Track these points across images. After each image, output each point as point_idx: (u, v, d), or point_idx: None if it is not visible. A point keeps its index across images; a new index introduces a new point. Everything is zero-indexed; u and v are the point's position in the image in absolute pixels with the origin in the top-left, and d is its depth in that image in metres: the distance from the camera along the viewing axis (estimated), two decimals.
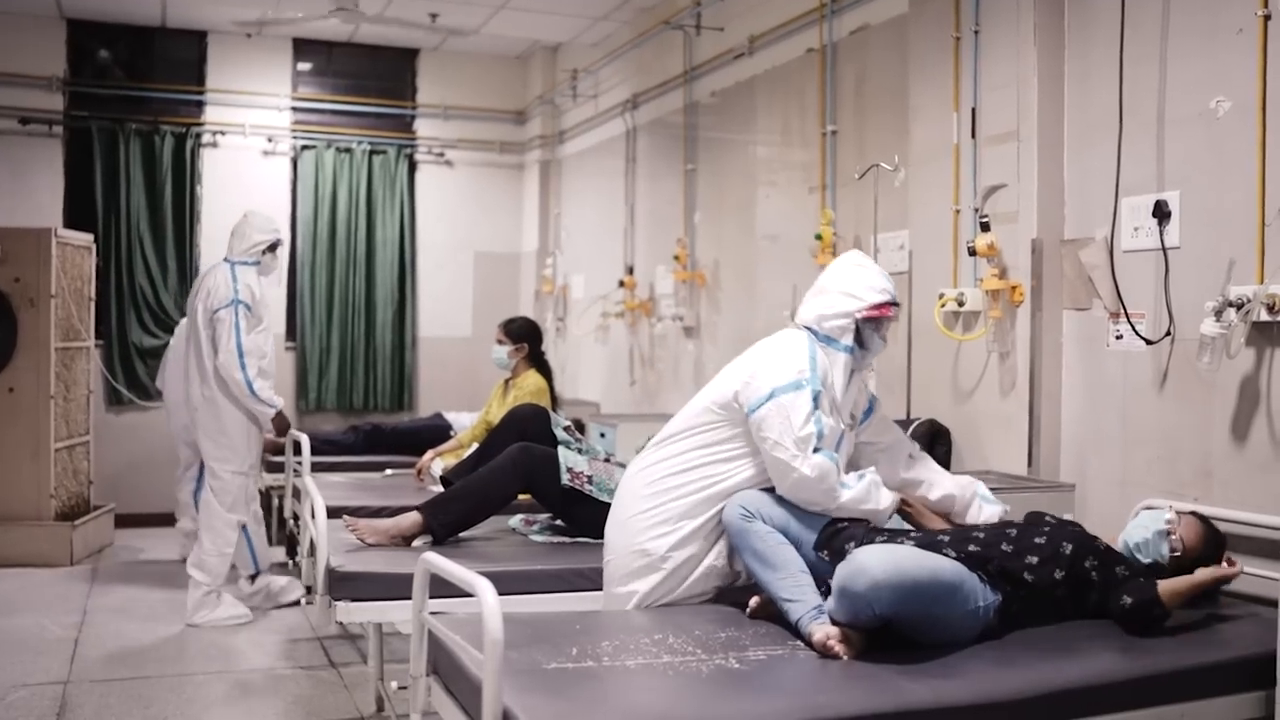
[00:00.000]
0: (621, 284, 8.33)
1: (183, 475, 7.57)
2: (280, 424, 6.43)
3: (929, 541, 3.35)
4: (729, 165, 7.26)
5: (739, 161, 7.17)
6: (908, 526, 3.74)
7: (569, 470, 4.65)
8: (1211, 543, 3.64)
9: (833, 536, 3.48)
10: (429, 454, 6.51)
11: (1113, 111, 4.33)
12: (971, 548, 3.35)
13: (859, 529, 3.51)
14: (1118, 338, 4.35)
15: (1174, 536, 3.58)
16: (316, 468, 6.58)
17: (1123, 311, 4.24)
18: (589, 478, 4.67)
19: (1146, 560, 3.58)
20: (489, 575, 4.14)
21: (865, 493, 3.61)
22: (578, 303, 9.34)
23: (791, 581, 3.36)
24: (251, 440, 6.37)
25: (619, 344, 8.61)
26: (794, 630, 3.26)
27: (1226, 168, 3.94)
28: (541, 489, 4.70)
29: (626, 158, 8.59)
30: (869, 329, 3.76)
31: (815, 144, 6.20)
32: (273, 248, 6.56)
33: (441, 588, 3.14)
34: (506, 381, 6.56)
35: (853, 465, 3.84)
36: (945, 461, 4.97)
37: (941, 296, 4.89)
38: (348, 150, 9.81)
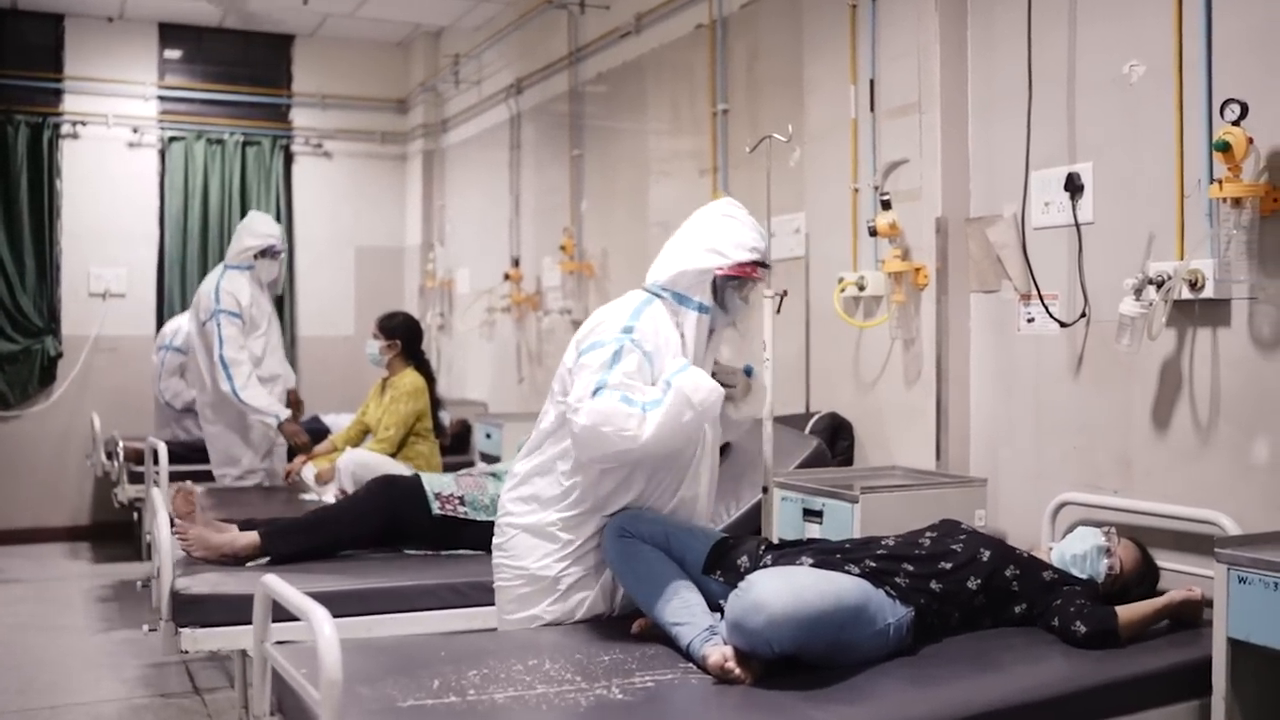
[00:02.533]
0: (507, 277, 7.93)
1: None
2: (290, 432, 6.17)
3: (828, 559, 3.01)
4: (617, 150, 6.91)
5: (628, 146, 6.82)
6: (803, 538, 3.41)
7: (437, 497, 4.28)
8: (1146, 570, 3.44)
9: (722, 556, 3.14)
10: (300, 458, 6.08)
11: (1020, 80, 4.06)
12: (873, 563, 3.03)
13: (751, 543, 3.18)
14: (1029, 321, 4.08)
15: (1114, 556, 3.35)
16: (180, 476, 6.10)
17: (1034, 293, 3.96)
18: (460, 499, 4.32)
19: (1082, 575, 3.32)
20: (352, 593, 3.83)
21: (675, 407, 3.02)
22: (463, 298, 8.92)
23: (678, 603, 3.00)
24: (252, 448, 6.25)
25: (506, 340, 8.22)
26: (684, 654, 2.91)
27: (1142, 137, 3.68)
28: (411, 524, 4.33)
29: (511, 145, 8.20)
30: (730, 289, 3.29)
31: (706, 124, 5.87)
32: (266, 253, 6.29)
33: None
34: (384, 380, 6.14)
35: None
36: (848, 456, 4.68)
37: (841, 281, 4.59)
38: (219, 141, 9.27)
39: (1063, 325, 3.88)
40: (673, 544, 3.15)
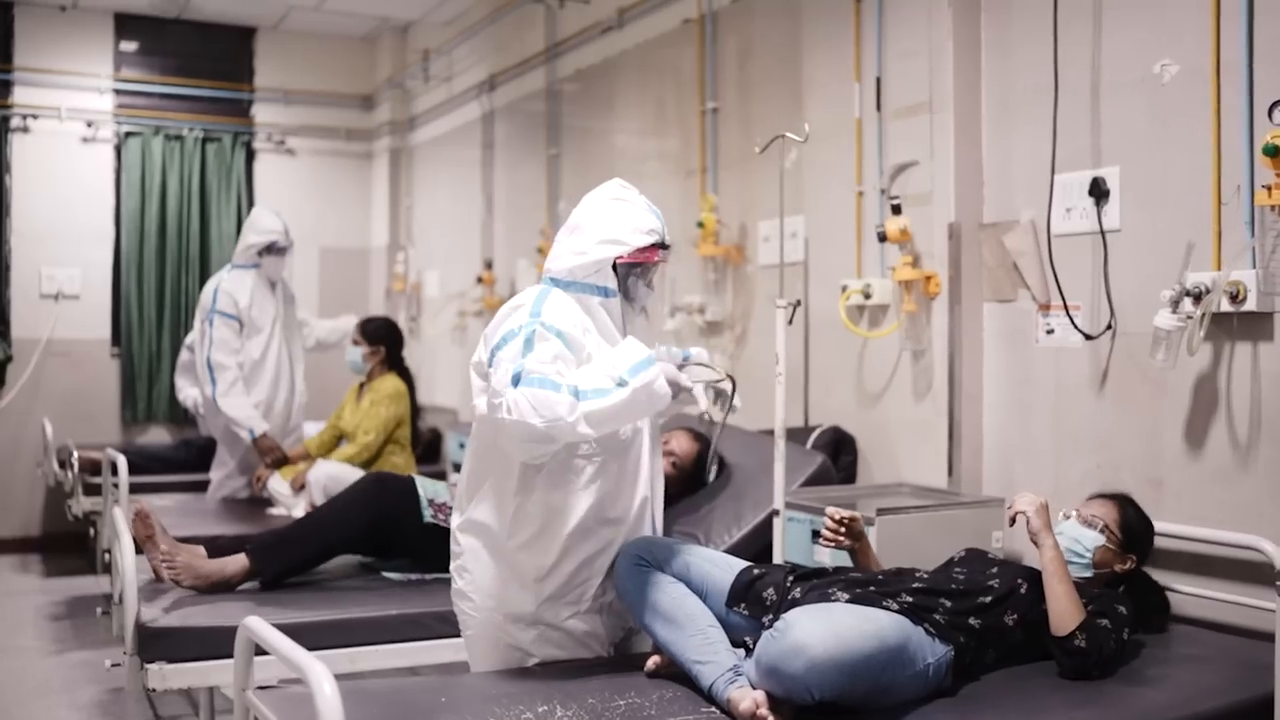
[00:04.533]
0: (480, 280, 7.66)
1: None
2: (265, 449, 5.83)
3: (865, 593, 2.78)
4: (597, 150, 6.67)
5: (608, 145, 6.58)
6: (833, 564, 3.18)
7: (431, 503, 4.01)
8: (1136, 524, 3.24)
9: (747, 587, 2.91)
10: (264, 467, 5.80)
11: (1039, 79, 3.87)
12: (910, 598, 2.80)
13: (777, 573, 2.94)
14: (1049, 332, 3.88)
15: (1093, 518, 3.21)
16: (141, 489, 5.82)
17: (1061, 303, 3.76)
18: (451, 509, 4.01)
19: (1085, 558, 3.17)
20: (334, 624, 3.56)
21: (629, 399, 2.80)
22: (432, 301, 8.63)
23: (700, 640, 2.77)
24: (240, 454, 6.06)
25: (477, 344, 7.93)
26: (706, 696, 2.68)
27: (1174, 140, 3.49)
28: (397, 528, 4.04)
29: (483, 144, 7.93)
30: (633, 275, 3.06)
31: (694, 123, 5.64)
32: (271, 249, 6.04)
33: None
34: (361, 386, 5.88)
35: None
36: (850, 473, 4.47)
37: (845, 289, 4.38)
38: (178, 137, 8.92)
39: (1088, 338, 3.68)
40: (693, 574, 2.91)
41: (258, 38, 9.24)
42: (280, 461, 5.85)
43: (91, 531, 6.77)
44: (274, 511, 5.65)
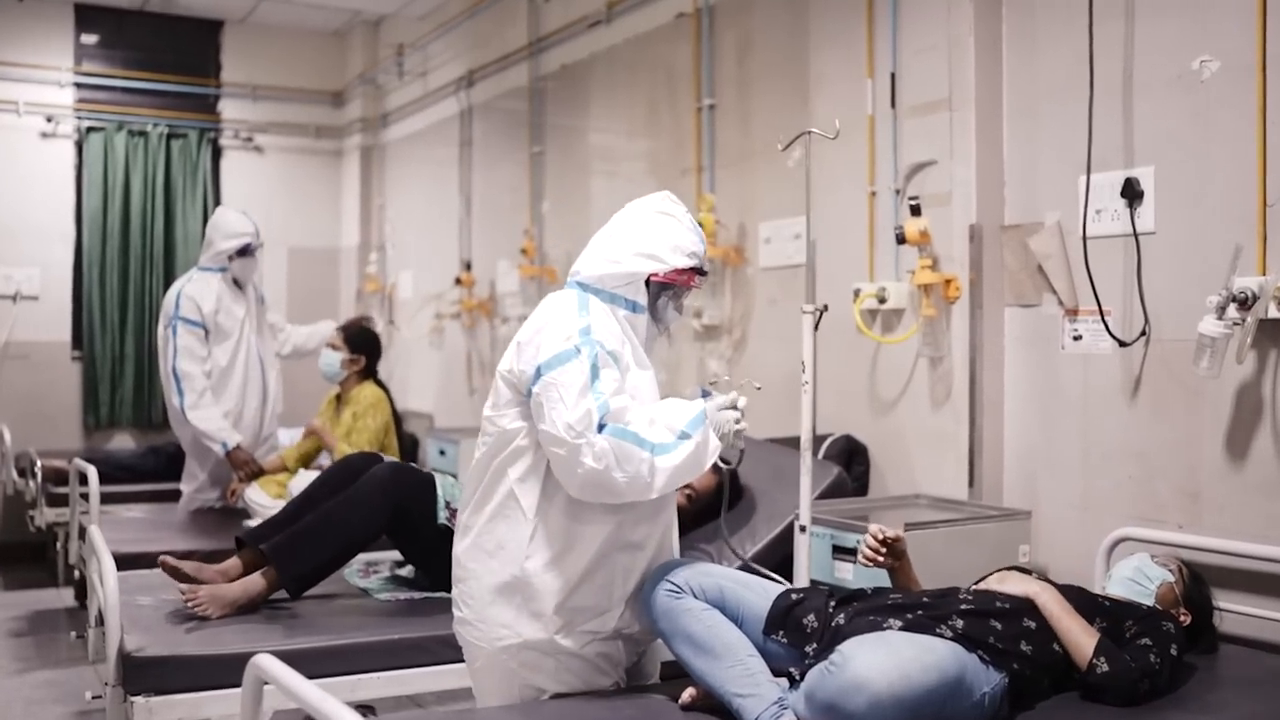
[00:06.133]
0: (459, 281, 7.44)
1: None
2: (239, 463, 5.56)
3: (918, 620, 2.61)
4: (583, 148, 6.48)
5: (595, 143, 6.39)
6: (874, 586, 3.01)
7: (448, 506, 3.79)
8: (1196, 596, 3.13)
9: (786, 613, 2.73)
10: (237, 480, 5.56)
11: (1066, 76, 3.74)
12: (961, 622, 2.63)
13: (817, 598, 2.77)
14: (1076, 338, 3.74)
15: (1168, 559, 3.11)
16: (108, 499, 5.54)
17: (1090, 308, 3.61)
18: None
19: (1148, 588, 3.05)
20: (333, 650, 3.33)
21: (694, 454, 2.72)
22: (407, 303, 8.40)
23: (740, 670, 2.59)
24: (211, 465, 5.73)
25: (455, 348, 7.73)
26: None
27: (1214, 139, 3.35)
28: (409, 526, 3.81)
29: (461, 142, 7.71)
30: (665, 295, 2.90)
31: (688, 121, 5.46)
32: (243, 251, 5.75)
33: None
34: (337, 397, 5.64)
35: None
36: (863, 484, 4.30)
37: (858, 292, 4.21)
38: (142, 133, 8.63)
39: (1123, 344, 3.53)
40: (727, 599, 2.73)
41: (225, 31, 8.97)
42: (256, 475, 5.61)
43: (59, 544, 6.50)
44: (251, 523, 5.40)
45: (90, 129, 8.53)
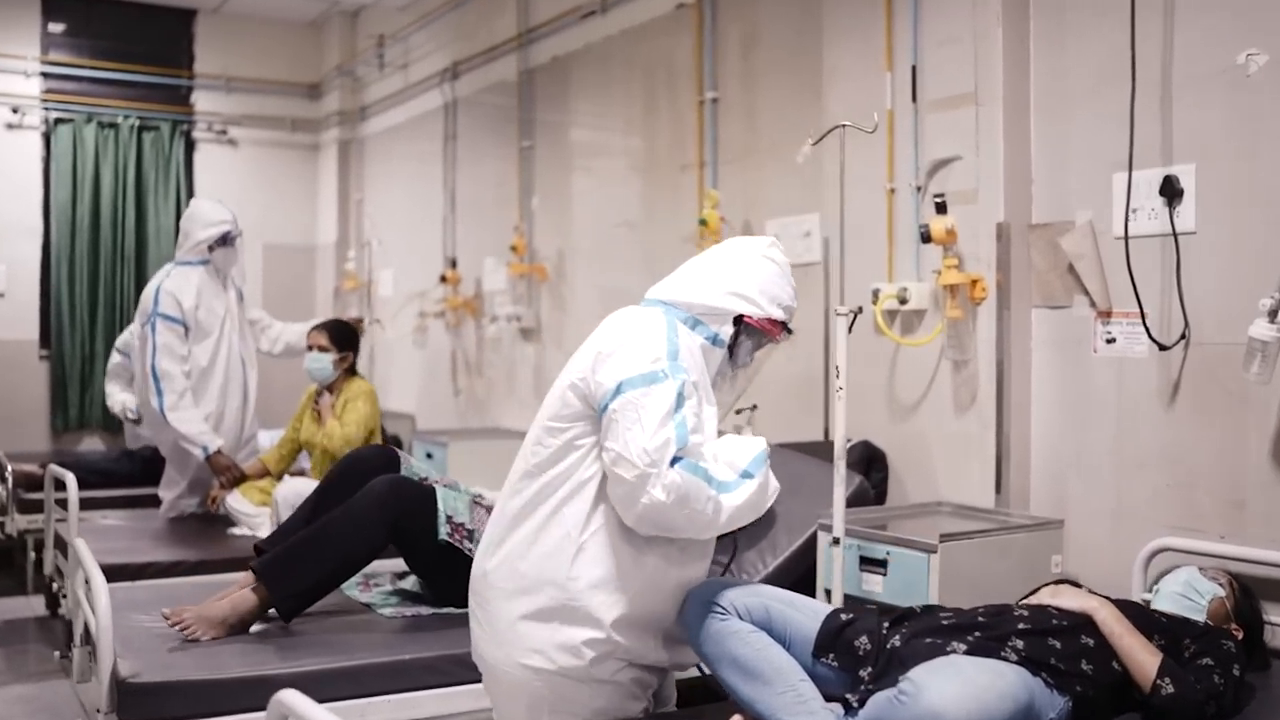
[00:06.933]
0: (444, 279, 7.25)
1: None
2: (220, 468, 5.35)
3: (982, 642, 2.47)
4: (576, 142, 6.30)
5: (588, 138, 6.22)
6: (922, 605, 2.86)
7: (449, 520, 3.60)
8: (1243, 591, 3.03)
9: (836, 635, 2.58)
10: (217, 486, 5.36)
11: (1094, 70, 3.61)
12: (1021, 642, 2.49)
13: (868, 618, 2.62)
14: (1109, 341, 3.61)
15: (1218, 574, 3.01)
16: (83, 504, 5.30)
17: (1128, 310, 3.48)
18: (469, 533, 3.62)
19: (1199, 603, 2.94)
20: (343, 672, 3.13)
21: (756, 494, 2.63)
22: (386, 301, 8.19)
23: (792, 697, 2.45)
24: (192, 472, 5.51)
25: (439, 348, 7.53)
26: None
27: (1262, 136, 3.22)
28: (409, 541, 3.63)
29: (445, 136, 7.52)
30: (748, 339, 2.80)
31: (690, 115, 5.30)
32: (223, 240, 5.54)
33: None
34: (319, 394, 5.41)
35: None
36: (882, 491, 4.16)
37: (878, 292, 4.06)
38: (112, 125, 8.39)
39: (1163, 348, 3.40)
40: (774, 620, 2.58)
41: (198, 20, 8.74)
42: (237, 480, 5.40)
43: (33, 554, 6.25)
44: (235, 531, 5.21)
45: (58, 120, 8.28)
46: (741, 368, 2.83)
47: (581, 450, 2.61)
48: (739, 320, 2.75)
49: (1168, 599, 3.00)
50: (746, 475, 2.62)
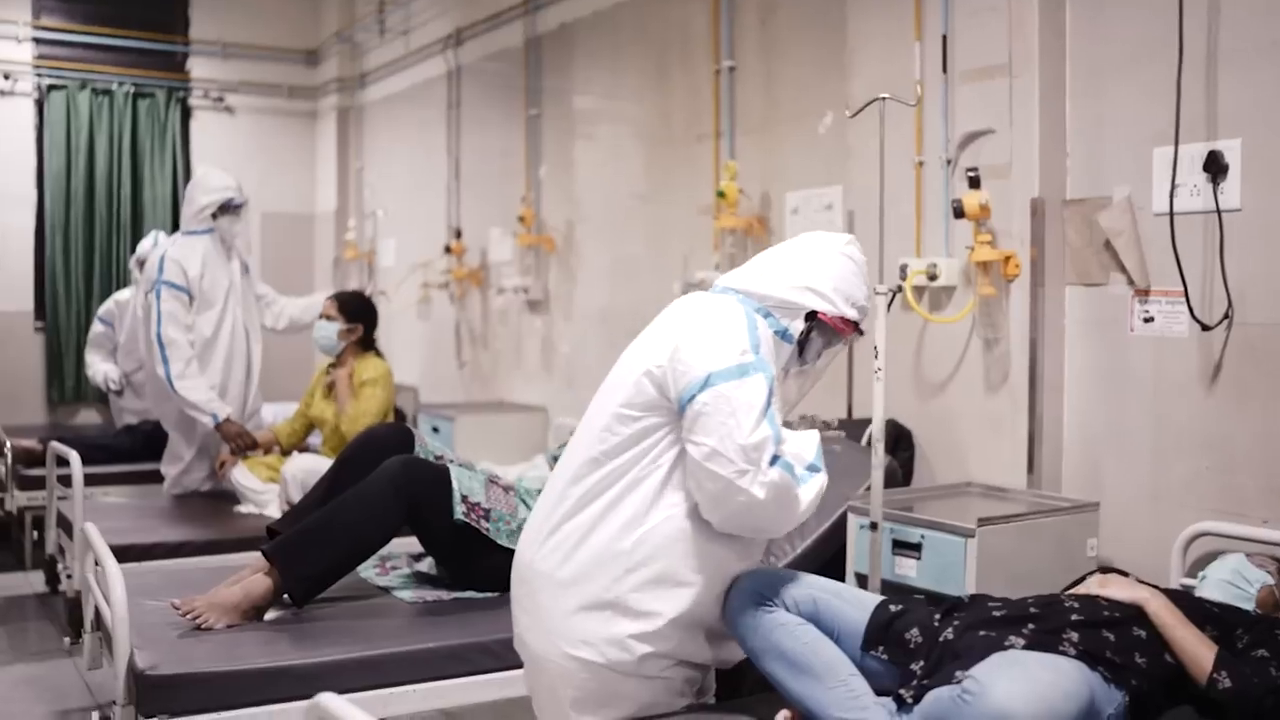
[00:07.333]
0: (449, 249, 7.13)
1: None
2: (230, 434, 5.24)
3: (1039, 636, 2.38)
4: (585, 111, 6.18)
5: (598, 106, 6.10)
6: (969, 594, 2.78)
7: (464, 500, 3.50)
8: None
9: (886, 628, 2.50)
10: (227, 451, 5.26)
11: (1133, 42, 3.51)
12: (1075, 634, 2.41)
13: (919, 609, 2.54)
14: (1146, 320, 3.52)
15: (1265, 561, 2.93)
16: (84, 481, 5.20)
17: (1168, 289, 3.38)
18: (486, 512, 3.53)
19: (1248, 591, 2.87)
20: (365, 662, 3.02)
21: (821, 488, 2.59)
22: (387, 271, 8.07)
23: (844, 692, 2.36)
24: (197, 443, 5.42)
25: (443, 320, 7.43)
26: None
27: None
28: (424, 522, 3.53)
29: (449, 104, 7.38)
30: (820, 336, 2.72)
31: (705, 85, 5.18)
32: (226, 208, 5.44)
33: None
34: (330, 368, 5.32)
35: None
36: (908, 469, 4.08)
37: (905, 269, 3.96)
38: (106, 92, 8.23)
39: (1206, 328, 3.31)
40: (822, 611, 2.49)
41: None
42: (248, 446, 5.31)
43: (30, 529, 6.16)
44: (242, 509, 5.11)
45: (51, 87, 8.13)
46: (808, 365, 2.74)
47: (653, 439, 2.52)
48: (811, 316, 2.65)
49: (1215, 586, 2.92)
50: (813, 469, 2.55)
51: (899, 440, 4.07)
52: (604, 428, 2.56)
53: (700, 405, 2.43)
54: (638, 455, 2.52)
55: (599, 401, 2.64)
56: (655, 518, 2.49)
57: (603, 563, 2.50)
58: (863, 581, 3.37)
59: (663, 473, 2.51)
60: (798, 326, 2.65)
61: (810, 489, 2.53)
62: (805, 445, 2.59)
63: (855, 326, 2.73)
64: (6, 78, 8.05)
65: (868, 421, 4.05)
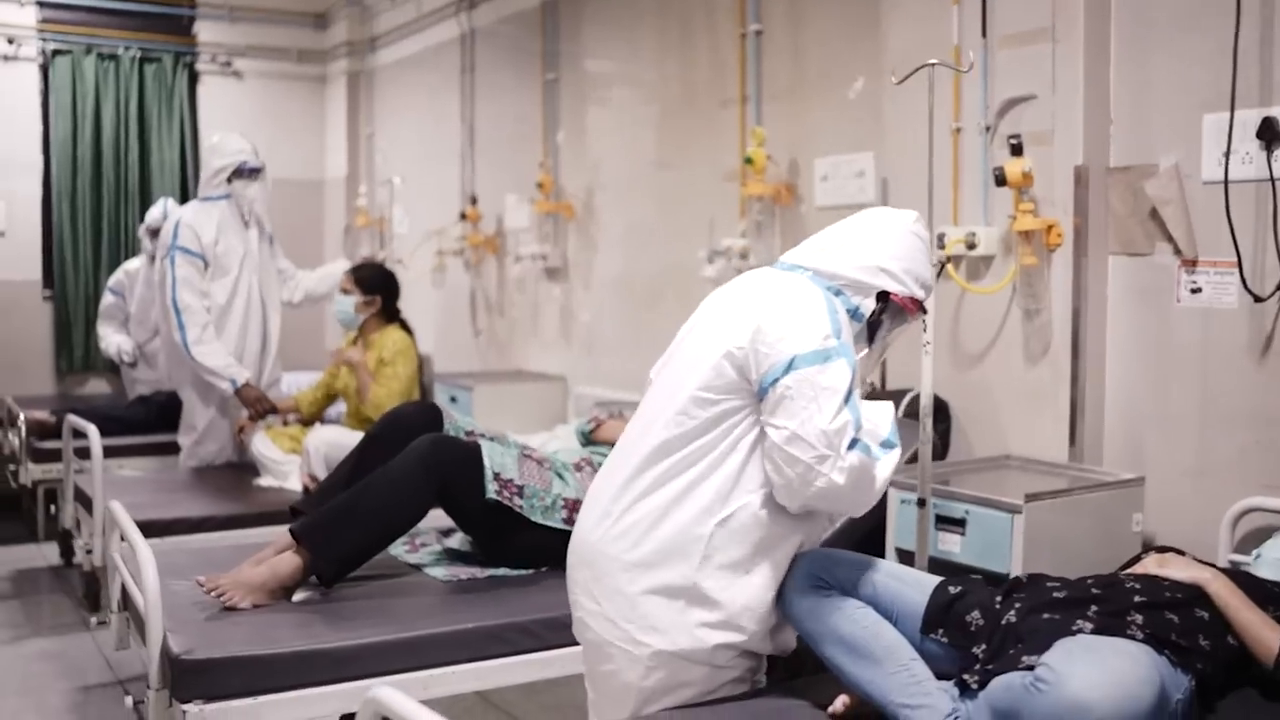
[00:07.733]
0: (464, 216, 7.03)
1: None
2: (249, 400, 5.22)
3: (1104, 619, 2.31)
4: (605, 76, 6.07)
5: (618, 71, 5.99)
6: (1027, 573, 2.72)
7: (496, 478, 3.44)
8: None
9: (946, 610, 2.44)
10: (246, 418, 5.21)
11: (1180, 3, 3.40)
12: (1140, 617, 2.34)
13: (980, 590, 2.48)
14: (1194, 291, 3.44)
15: None
16: (108, 453, 5.12)
17: (1234, 259, 3.27)
18: (519, 489, 3.47)
19: None
20: (401, 644, 2.94)
21: (897, 466, 2.56)
22: (400, 238, 7.96)
23: (906, 677, 2.31)
24: (214, 409, 5.41)
25: (458, 287, 7.34)
26: None
27: None
28: (456, 501, 3.47)
29: (462, 68, 7.26)
30: (889, 316, 2.67)
31: (731, 48, 5.07)
32: (241, 172, 5.42)
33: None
34: (355, 341, 5.25)
35: None
36: (945, 442, 4.01)
37: (943, 237, 3.87)
38: (113, 57, 8.10)
39: (1258, 299, 3.23)
40: (880, 594, 2.44)
41: None
42: (268, 411, 5.25)
43: (43, 502, 6.10)
44: (262, 482, 5.06)
45: (56, 51, 8.00)
46: (877, 345, 2.68)
47: (731, 422, 2.47)
48: (882, 296, 2.59)
49: (1270, 565, 2.86)
50: (888, 445, 2.51)
51: (936, 412, 3.98)
52: (680, 410, 2.49)
53: (783, 389, 2.38)
54: (717, 438, 2.46)
55: (671, 381, 2.58)
56: (734, 503, 2.45)
57: (680, 546, 2.44)
58: (905, 558, 3.31)
59: (741, 456, 2.46)
60: (869, 306, 2.59)
61: (886, 466, 2.49)
62: (880, 419, 2.55)
63: (920, 306, 2.67)
64: (10, 42, 7.90)
65: (903, 392, 3.98)
